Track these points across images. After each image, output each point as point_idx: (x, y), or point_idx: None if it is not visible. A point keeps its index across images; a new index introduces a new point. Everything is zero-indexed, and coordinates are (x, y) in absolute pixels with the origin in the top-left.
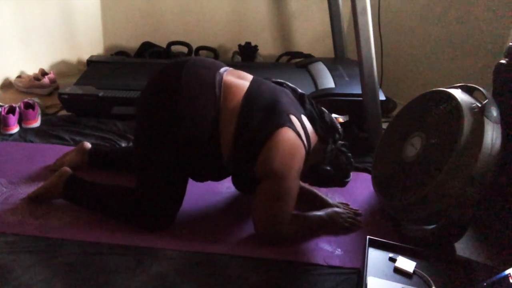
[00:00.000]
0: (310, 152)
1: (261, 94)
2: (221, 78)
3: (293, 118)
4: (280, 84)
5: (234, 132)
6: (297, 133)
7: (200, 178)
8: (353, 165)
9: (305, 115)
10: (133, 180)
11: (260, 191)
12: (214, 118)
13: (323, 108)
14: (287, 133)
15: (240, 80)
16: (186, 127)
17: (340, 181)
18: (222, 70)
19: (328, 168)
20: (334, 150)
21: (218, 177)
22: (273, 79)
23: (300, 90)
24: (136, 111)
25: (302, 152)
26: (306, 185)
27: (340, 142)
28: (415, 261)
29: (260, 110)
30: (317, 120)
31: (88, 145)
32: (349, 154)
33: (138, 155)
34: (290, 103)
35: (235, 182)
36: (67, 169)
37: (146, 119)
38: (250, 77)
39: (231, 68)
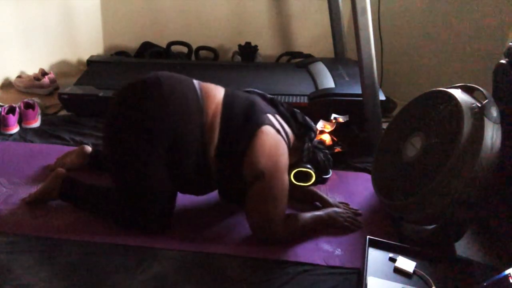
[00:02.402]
0: (290, 151)
1: (237, 97)
2: (198, 83)
3: (270, 117)
4: (248, 92)
5: (219, 135)
6: (276, 130)
7: (186, 191)
8: (331, 162)
9: (279, 115)
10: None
11: (252, 195)
12: (201, 122)
13: (294, 109)
14: (268, 131)
15: (214, 85)
16: (177, 134)
17: (320, 178)
18: (195, 81)
19: (309, 166)
20: (311, 148)
21: (204, 190)
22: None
23: (268, 95)
24: (109, 121)
25: (284, 147)
26: None
27: (316, 140)
28: (415, 261)
29: (239, 112)
30: (291, 120)
31: (88, 148)
32: (326, 151)
33: (117, 161)
34: (264, 105)
35: (221, 192)
36: (62, 170)
37: (125, 129)
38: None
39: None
